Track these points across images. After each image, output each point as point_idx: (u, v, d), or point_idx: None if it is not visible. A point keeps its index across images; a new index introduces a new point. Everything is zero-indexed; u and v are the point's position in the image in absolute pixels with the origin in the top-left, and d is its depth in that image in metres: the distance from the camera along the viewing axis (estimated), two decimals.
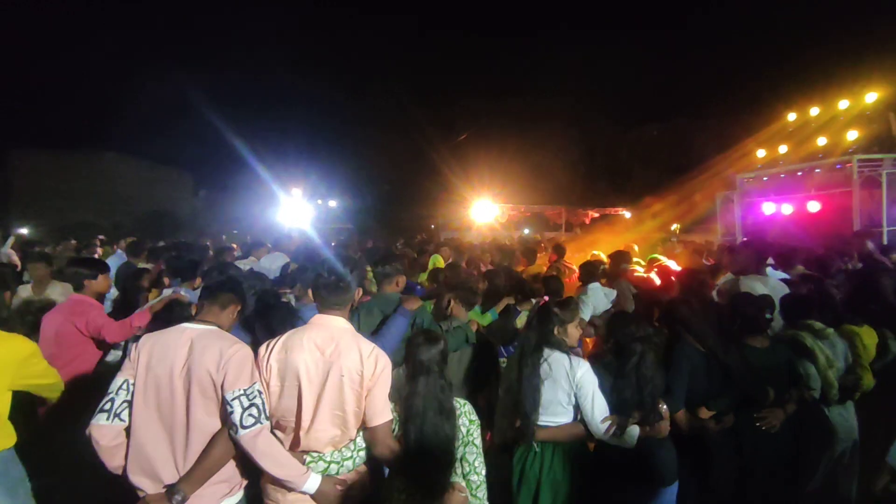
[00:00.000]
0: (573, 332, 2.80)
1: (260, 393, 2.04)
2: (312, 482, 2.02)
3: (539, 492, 2.61)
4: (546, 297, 2.99)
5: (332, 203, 25.58)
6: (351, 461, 2.12)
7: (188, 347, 2.07)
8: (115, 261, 6.02)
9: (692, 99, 20.35)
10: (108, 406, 2.02)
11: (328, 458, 2.10)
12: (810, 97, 13.74)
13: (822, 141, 12.70)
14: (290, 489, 2.04)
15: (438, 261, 6.65)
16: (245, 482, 2.17)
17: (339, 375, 2.09)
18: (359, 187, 26.59)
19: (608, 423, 2.54)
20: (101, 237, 11.30)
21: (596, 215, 19.38)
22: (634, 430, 2.52)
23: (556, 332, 2.73)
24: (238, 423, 1.95)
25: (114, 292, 4.95)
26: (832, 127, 12.78)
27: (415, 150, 24.37)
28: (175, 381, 2.03)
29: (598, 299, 4.51)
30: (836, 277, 4.07)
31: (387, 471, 2.27)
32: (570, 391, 2.60)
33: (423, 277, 5.81)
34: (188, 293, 3.83)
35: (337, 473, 2.10)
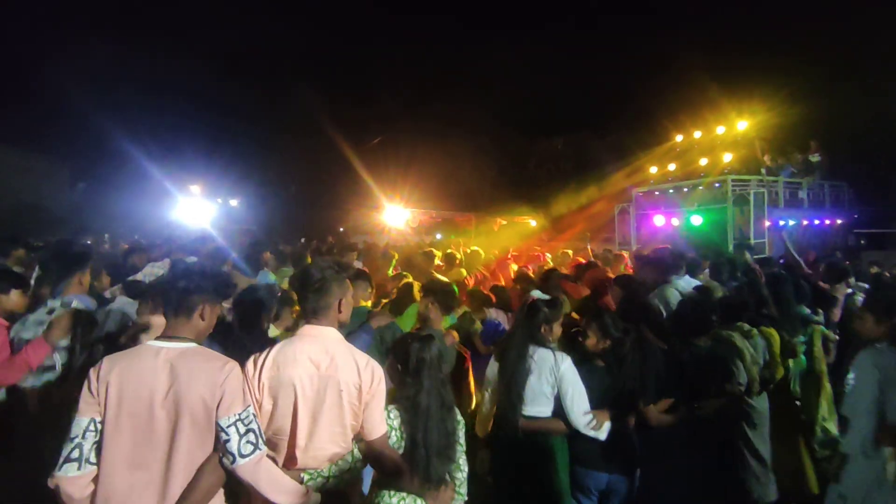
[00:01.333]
0: (557, 330, 3.01)
1: (255, 416, 1.86)
2: (314, 500, 1.92)
3: (523, 479, 2.80)
4: (533, 297, 3.09)
5: (234, 202, 24.09)
6: (350, 473, 2.07)
7: (168, 372, 1.79)
8: None
9: (596, 115, 21.83)
10: (75, 454, 1.73)
11: (326, 474, 2.02)
12: (695, 121, 15.36)
13: (703, 161, 14.20)
14: None
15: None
16: None
17: (337, 390, 2.00)
18: (264, 187, 25.29)
19: (589, 417, 2.76)
20: None
21: (504, 222, 20.03)
22: (607, 426, 2.77)
23: (542, 329, 2.90)
24: (236, 451, 1.77)
25: None
26: (712, 149, 14.35)
27: (325, 152, 23.69)
28: (156, 413, 1.77)
29: None
30: (728, 285, 4.54)
31: (367, 478, 2.26)
32: (554, 383, 2.79)
33: None
34: (82, 301, 3.08)
35: (336, 487, 2.02)
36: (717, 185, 11.21)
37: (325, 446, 2.01)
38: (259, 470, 1.81)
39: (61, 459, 1.74)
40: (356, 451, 2.10)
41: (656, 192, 12.69)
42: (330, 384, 1.99)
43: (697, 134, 15.13)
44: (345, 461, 2.06)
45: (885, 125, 12.71)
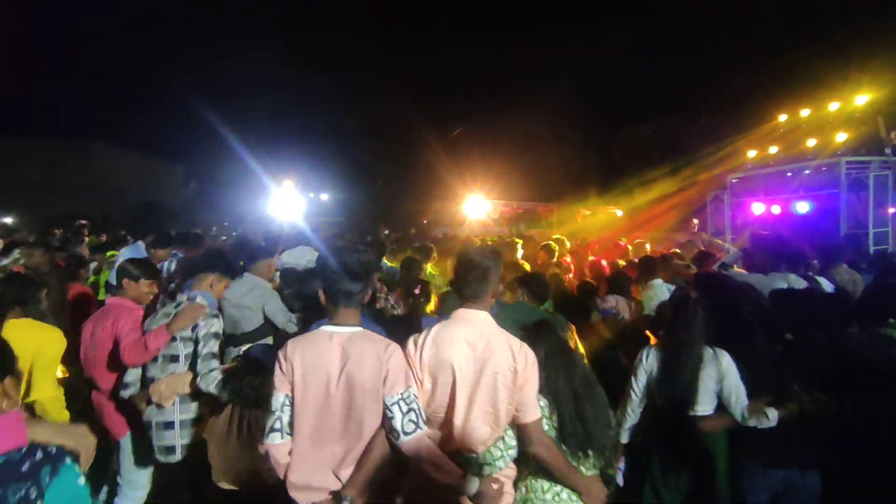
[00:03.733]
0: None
1: (416, 397, 2.02)
2: (472, 484, 1.99)
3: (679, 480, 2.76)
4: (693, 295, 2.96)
5: (324, 196, 25.46)
6: (502, 460, 2.12)
7: (340, 354, 2.01)
8: (131, 254, 5.58)
9: (685, 98, 20.42)
10: (277, 425, 2.01)
11: (480, 460, 2.10)
12: (801, 98, 13.87)
13: (811, 142, 12.84)
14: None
15: None
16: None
17: (492, 373, 2.07)
18: (351, 181, 26.49)
19: (752, 409, 2.63)
20: (82, 221, 10.59)
21: (588, 213, 19.42)
22: (774, 413, 2.61)
23: (704, 323, 2.79)
24: (400, 429, 1.95)
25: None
26: (822, 128, 12.92)
27: (408, 145, 24.36)
28: (331, 390, 2.00)
29: (663, 295, 4.46)
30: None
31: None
32: (718, 379, 2.70)
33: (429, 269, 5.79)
34: (207, 298, 3.11)
35: (490, 473, 2.09)
36: (825, 167, 10.11)
37: (479, 426, 2.08)
38: (420, 447, 1.96)
39: (267, 429, 2.01)
40: (508, 438, 2.14)
41: (755, 178, 11.67)
42: (486, 366, 2.07)
43: (805, 112, 13.65)
44: (497, 447, 2.11)
45: None
